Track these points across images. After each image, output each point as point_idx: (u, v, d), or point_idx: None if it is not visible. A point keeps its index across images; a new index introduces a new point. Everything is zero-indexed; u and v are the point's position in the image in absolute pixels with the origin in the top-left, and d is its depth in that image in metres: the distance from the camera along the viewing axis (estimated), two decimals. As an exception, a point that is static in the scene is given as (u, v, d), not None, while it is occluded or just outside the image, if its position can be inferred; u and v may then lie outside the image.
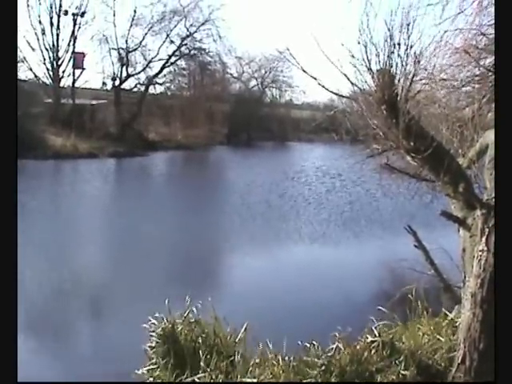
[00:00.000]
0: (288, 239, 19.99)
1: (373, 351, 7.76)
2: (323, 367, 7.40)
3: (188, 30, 58.31)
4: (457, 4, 6.92)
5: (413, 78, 6.82)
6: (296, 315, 11.87)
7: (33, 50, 54.05)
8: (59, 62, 55.02)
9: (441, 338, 8.23)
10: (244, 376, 7.36)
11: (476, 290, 6.74)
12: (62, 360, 10.17)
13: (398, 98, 6.82)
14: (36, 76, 54.20)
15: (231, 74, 69.98)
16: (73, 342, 11.11)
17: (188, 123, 56.16)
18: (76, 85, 55.64)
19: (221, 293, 13.51)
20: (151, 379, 8.02)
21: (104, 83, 59.56)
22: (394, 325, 8.69)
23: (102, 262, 16.84)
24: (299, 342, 7.92)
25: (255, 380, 7.26)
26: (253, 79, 73.08)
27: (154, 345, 8.37)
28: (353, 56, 6.85)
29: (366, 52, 6.74)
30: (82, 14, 54.94)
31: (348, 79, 7.06)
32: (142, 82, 59.03)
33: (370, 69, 6.83)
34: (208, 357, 7.81)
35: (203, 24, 58.35)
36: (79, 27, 55.18)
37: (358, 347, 7.81)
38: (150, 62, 58.45)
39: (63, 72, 55.43)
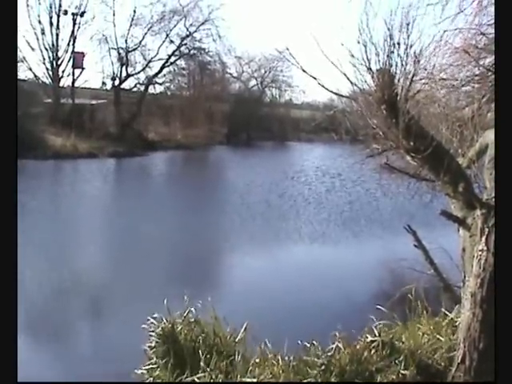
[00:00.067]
0: (288, 239, 19.99)
1: (373, 351, 7.76)
2: (323, 367, 7.40)
3: (188, 29, 58.41)
4: (456, 3, 6.92)
5: (412, 77, 6.82)
6: (296, 315, 11.88)
7: (32, 49, 54.17)
8: (59, 62, 55.05)
9: (440, 338, 8.23)
10: (244, 376, 7.36)
11: (476, 290, 6.74)
12: (62, 360, 10.17)
13: (398, 98, 6.82)
14: (36, 76, 54.30)
15: (231, 74, 70.13)
16: (72, 342, 11.11)
17: (188, 123, 56.20)
18: (76, 84, 55.69)
19: (220, 292, 13.51)
20: (151, 379, 8.02)
21: (104, 83, 59.68)
22: (393, 324, 8.70)
23: (101, 262, 16.83)
24: (299, 342, 7.92)
25: (255, 380, 7.26)
26: (252, 79, 73.26)
27: (153, 345, 8.37)
28: (352, 56, 6.85)
29: (366, 52, 6.73)
30: (82, 14, 54.96)
31: (348, 79, 7.06)
32: (141, 82, 59.12)
33: (369, 68, 6.83)
34: (208, 357, 7.81)
35: (203, 24, 58.44)
36: (79, 27, 55.30)
37: (357, 347, 7.82)
38: (150, 61, 58.52)
39: (63, 72, 55.50)
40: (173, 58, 59.51)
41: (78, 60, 55.42)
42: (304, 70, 7.36)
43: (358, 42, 6.73)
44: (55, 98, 53.26)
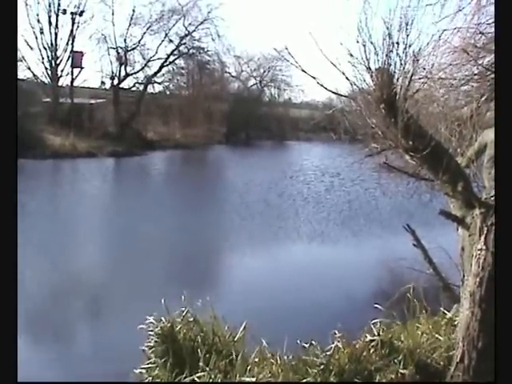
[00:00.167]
0: (287, 238, 20.01)
1: (372, 350, 7.77)
2: (322, 366, 7.41)
3: (187, 29, 58.42)
4: (455, 2, 6.91)
5: (411, 76, 6.82)
6: (295, 314, 11.88)
7: (31, 48, 54.16)
8: (58, 61, 55.04)
9: (439, 337, 8.24)
10: (243, 375, 7.36)
11: (475, 289, 6.74)
12: (61, 360, 10.18)
13: (397, 97, 6.81)
14: (34, 75, 54.28)
15: (230, 73, 70.14)
16: (71, 342, 11.12)
17: (187, 122, 56.25)
18: (74, 84, 55.69)
19: (219, 292, 13.52)
20: (150, 378, 8.02)
21: (103, 82, 59.77)
22: (393, 324, 8.70)
23: (100, 262, 16.83)
24: (298, 341, 7.92)
25: (254, 379, 7.26)
26: (251, 78, 73.29)
27: (152, 344, 8.37)
28: (351, 55, 6.84)
29: (365, 51, 6.73)
30: (81, 13, 54.99)
31: (346, 78, 7.06)
32: (140, 81, 59.10)
33: (368, 68, 6.82)
34: (207, 356, 7.81)
35: (202, 23, 58.48)
36: (78, 26, 55.30)
37: (357, 346, 7.83)
38: (149, 61, 58.53)
39: (62, 71, 55.55)
40: (172, 58, 59.58)
41: (76, 59, 55.43)
42: (303, 70, 7.35)
43: (357, 42, 6.72)
44: (54, 97, 53.25)
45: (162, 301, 8.67)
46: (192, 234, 19.93)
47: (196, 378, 7.46)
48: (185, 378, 7.57)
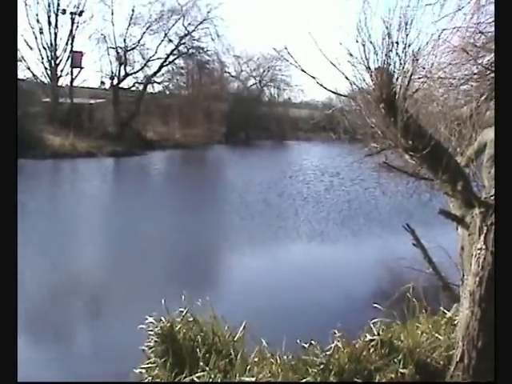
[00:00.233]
0: (286, 238, 20.01)
1: (371, 350, 7.77)
2: (322, 366, 7.41)
3: (186, 28, 58.42)
4: (455, 2, 6.92)
5: (411, 76, 6.82)
6: (294, 314, 11.89)
7: (31, 48, 54.13)
8: (57, 61, 55.02)
9: (439, 337, 8.24)
10: (242, 375, 7.37)
11: (474, 289, 6.75)
12: (61, 359, 10.19)
13: (396, 97, 6.82)
14: (34, 75, 54.27)
15: (229, 73, 70.12)
16: (70, 342, 11.12)
17: (186, 122, 56.27)
18: (74, 84, 55.67)
19: (219, 292, 13.52)
20: (150, 378, 8.02)
21: (102, 82, 59.75)
22: (392, 323, 8.71)
23: (100, 261, 16.84)
24: (298, 341, 7.93)
25: (253, 379, 7.27)
26: (251, 78, 73.27)
27: (152, 344, 8.37)
28: (351, 54, 6.85)
29: (364, 51, 6.73)
30: (80, 13, 54.99)
31: (346, 78, 7.07)
32: (140, 81, 59.08)
33: (368, 67, 6.83)
34: (207, 356, 7.82)
35: (201, 23, 58.49)
36: (77, 26, 55.28)
37: (356, 346, 7.83)
38: (148, 60, 58.53)
39: (61, 71, 55.53)
40: (171, 58, 59.58)
41: (76, 59, 55.41)
42: (303, 70, 7.36)
43: (357, 41, 6.73)
44: (54, 97, 53.24)
45: (162, 301, 8.67)
46: (192, 234, 19.93)
47: (196, 378, 7.46)
48: (184, 377, 7.58)
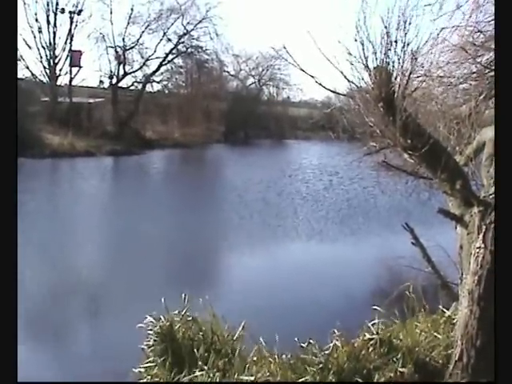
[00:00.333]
0: (285, 237, 20.02)
1: (370, 349, 7.78)
2: (321, 365, 7.41)
3: (185, 27, 58.33)
4: (454, 0, 6.92)
5: (410, 75, 6.83)
6: (294, 313, 11.89)
7: (29, 48, 54.03)
8: (56, 60, 54.93)
9: (438, 336, 8.25)
10: (241, 374, 7.37)
11: (473, 287, 6.75)
12: (60, 359, 10.20)
13: (395, 96, 6.82)
14: (33, 74, 54.20)
15: (228, 72, 70.04)
16: (70, 341, 11.13)
17: (185, 121, 56.23)
18: (73, 83, 55.60)
19: (218, 291, 13.51)
20: (149, 377, 8.02)
21: (101, 81, 59.66)
22: (391, 322, 8.71)
23: (99, 261, 16.82)
24: (297, 340, 7.93)
25: (252, 378, 7.27)
26: (250, 77, 73.14)
27: (151, 343, 8.37)
28: (350, 53, 6.85)
29: (363, 49, 6.74)
30: (79, 12, 54.92)
31: (345, 77, 7.07)
32: (139, 80, 58.99)
33: (366, 66, 6.83)
34: (206, 355, 7.82)
35: (200, 22, 58.38)
36: (76, 25, 55.20)
37: (355, 345, 7.84)
38: (147, 60, 58.46)
39: (60, 70, 55.40)
40: (170, 57, 59.48)
41: (75, 58, 55.37)
42: (301, 69, 7.36)
43: (356, 40, 6.73)
44: (52, 96, 53.18)
45: (161, 300, 8.67)
46: (191, 233, 19.93)
47: (195, 377, 7.46)
48: (184, 376, 7.58)
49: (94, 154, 43.23)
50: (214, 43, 59.90)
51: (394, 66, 6.78)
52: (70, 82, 55.31)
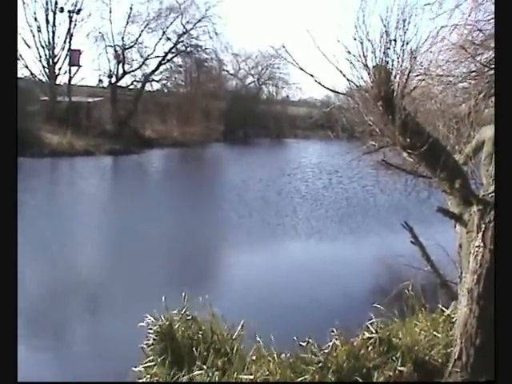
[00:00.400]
0: (285, 235, 20.02)
1: (370, 347, 7.78)
2: (320, 364, 7.42)
3: (184, 26, 58.28)
4: (453, -1, 6.93)
5: (409, 74, 6.83)
6: (293, 311, 11.89)
7: (28, 47, 53.99)
8: (55, 60, 54.91)
9: (437, 334, 8.25)
10: (240, 373, 7.37)
11: (472, 286, 6.76)
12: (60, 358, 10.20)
13: (395, 95, 6.82)
14: (32, 73, 54.11)
15: (228, 71, 69.97)
16: (69, 341, 11.14)
17: (184, 120, 56.18)
18: (72, 82, 55.58)
19: (218, 290, 13.50)
20: (148, 377, 8.02)
21: (100, 80, 59.64)
22: (391, 321, 8.71)
23: (98, 260, 16.83)
24: (296, 339, 7.93)
25: (252, 377, 7.27)
26: (249, 76, 73.10)
27: (151, 342, 8.37)
28: (349, 52, 6.85)
29: (362, 48, 6.74)
30: (78, 12, 54.87)
31: (344, 76, 7.07)
32: (138, 80, 58.94)
33: (366, 65, 6.84)
34: (205, 354, 7.82)
35: (199, 21, 58.31)
36: (75, 24, 55.17)
37: (354, 344, 7.84)
38: (147, 59, 58.40)
39: (59, 69, 55.38)
40: (169, 56, 59.42)
41: (74, 57, 55.33)
42: (301, 68, 7.37)
43: (355, 39, 6.73)
44: (52, 95, 53.17)
45: (160, 299, 8.67)
46: (190, 232, 19.93)
47: (194, 376, 7.46)
48: (183, 375, 7.58)
49: (93, 153, 43.21)
50: (214, 42, 59.91)
51: (393, 65, 6.78)
52: (69, 81, 55.32)
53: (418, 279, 9.46)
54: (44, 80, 55.14)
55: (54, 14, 54.31)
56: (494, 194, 6.43)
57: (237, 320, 8.41)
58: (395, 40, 6.66)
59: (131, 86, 59.05)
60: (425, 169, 7.58)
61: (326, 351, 7.65)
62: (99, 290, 13.87)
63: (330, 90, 7.92)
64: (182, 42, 59.10)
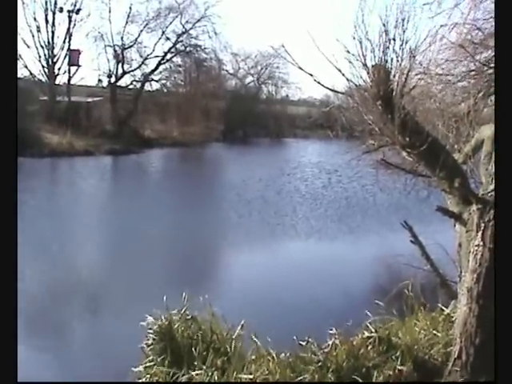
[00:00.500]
0: (284, 235, 20.02)
1: (369, 347, 7.78)
2: (320, 363, 7.42)
3: (183, 26, 58.28)
4: (452, -2, 6.93)
5: (408, 73, 6.83)
6: (293, 311, 11.90)
7: (28, 47, 54.00)
8: (55, 60, 54.91)
9: (437, 333, 8.24)
10: (240, 372, 7.36)
11: (472, 285, 6.76)
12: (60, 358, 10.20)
13: (394, 94, 6.83)
14: (31, 73, 54.14)
15: (227, 71, 69.98)
16: (71, 340, 11.14)
17: (184, 120, 56.17)
18: (71, 82, 55.58)
19: (218, 290, 13.50)
20: (148, 376, 8.02)
21: (100, 80, 59.62)
22: (390, 320, 8.71)
23: (98, 260, 16.83)
24: (295, 338, 7.93)
25: (251, 376, 7.27)
26: (249, 76, 73.13)
27: (150, 342, 8.36)
28: (348, 52, 6.86)
29: (362, 47, 6.74)
30: (78, 11, 54.86)
31: (343, 75, 7.08)
32: (137, 79, 58.93)
33: (365, 64, 6.84)
34: (204, 354, 7.81)
35: (199, 21, 58.31)
36: (74, 24, 55.16)
37: (354, 343, 7.84)
38: (146, 58, 58.40)
39: (59, 69, 55.39)
40: (169, 55, 59.42)
41: (73, 57, 55.32)
42: (300, 67, 7.37)
43: (354, 38, 6.74)
44: (51, 95, 53.19)
45: (160, 299, 8.67)
46: (190, 232, 19.92)
47: (193, 376, 7.46)
48: (182, 375, 7.57)
49: (92, 153, 43.21)
50: (213, 42, 59.90)
51: (392, 64, 6.79)
52: (69, 81, 55.30)
53: (417, 278, 9.46)
54: (43, 80, 55.18)
55: (54, 13, 54.37)
56: (493, 193, 6.44)
57: (236, 320, 8.41)
58: (394, 39, 6.67)
59: (131, 86, 59.07)
60: (424, 168, 7.59)
61: (325, 350, 7.65)
62: (99, 289, 13.86)
63: (330, 89, 7.92)
64: (182, 41, 59.13)
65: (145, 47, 58.32)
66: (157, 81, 60.89)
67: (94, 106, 54.61)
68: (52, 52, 54.73)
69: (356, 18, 6.67)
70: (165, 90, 61.71)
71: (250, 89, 73.05)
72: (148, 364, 8.11)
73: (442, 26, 6.84)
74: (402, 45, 6.68)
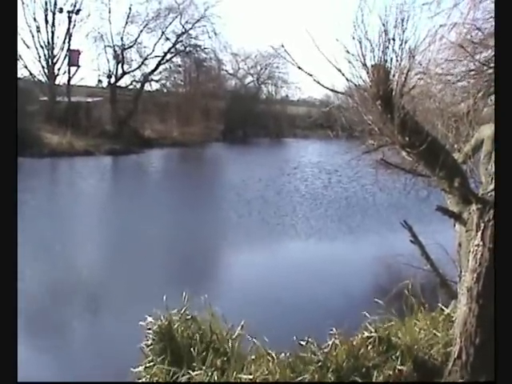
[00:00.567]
0: (284, 235, 20.02)
1: (369, 347, 7.78)
2: (319, 363, 7.42)
3: (183, 26, 58.30)
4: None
5: (407, 73, 6.83)
6: (293, 311, 11.90)
7: (28, 47, 54.00)
8: (54, 60, 54.92)
9: (437, 333, 8.24)
10: (240, 372, 7.36)
11: (472, 285, 6.75)
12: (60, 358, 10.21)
13: (393, 94, 6.83)
14: (31, 74, 54.14)
15: (227, 71, 69.96)
16: (71, 340, 11.14)
17: (184, 120, 56.17)
18: (71, 82, 55.56)
19: (218, 289, 13.50)
20: (148, 377, 8.01)
21: (99, 81, 59.59)
22: (390, 320, 8.71)
23: (97, 259, 16.83)
24: (295, 338, 7.93)
25: (251, 376, 7.27)
26: (248, 76, 73.11)
27: (150, 342, 8.36)
28: (348, 51, 6.86)
29: (361, 47, 6.74)
30: (77, 12, 54.86)
31: (343, 75, 7.08)
32: (137, 80, 58.94)
33: (364, 64, 6.84)
34: (204, 354, 7.81)
35: (198, 21, 58.32)
36: (74, 25, 55.18)
37: (354, 343, 7.84)
38: (146, 59, 58.41)
39: (58, 70, 55.40)
40: (169, 56, 59.43)
41: (73, 58, 55.32)
42: (299, 67, 7.37)
43: (353, 38, 6.74)
44: (51, 95, 53.18)
45: (160, 299, 8.67)
46: (190, 232, 19.93)
47: (193, 376, 7.45)
48: (182, 375, 7.56)
49: (92, 153, 43.21)
50: (213, 42, 59.89)
51: (391, 64, 6.79)
52: (69, 81, 55.29)
53: (417, 278, 9.46)
54: (43, 80, 55.18)
55: (54, 14, 54.36)
56: (493, 193, 6.44)
57: (236, 319, 8.41)
58: (394, 39, 6.67)
59: (130, 86, 59.08)
60: (424, 168, 7.59)
61: (325, 350, 7.65)
62: (99, 289, 13.87)
63: (329, 89, 7.92)
64: (181, 41, 59.15)
65: (144, 47, 58.42)
66: (157, 81, 60.98)
67: (93, 107, 54.61)
68: (52, 52, 54.75)
69: (355, 18, 6.67)
70: (165, 90, 61.75)
71: (250, 89, 73.06)
72: (148, 364, 8.11)
73: (441, 25, 6.84)
74: (401, 45, 6.68)
